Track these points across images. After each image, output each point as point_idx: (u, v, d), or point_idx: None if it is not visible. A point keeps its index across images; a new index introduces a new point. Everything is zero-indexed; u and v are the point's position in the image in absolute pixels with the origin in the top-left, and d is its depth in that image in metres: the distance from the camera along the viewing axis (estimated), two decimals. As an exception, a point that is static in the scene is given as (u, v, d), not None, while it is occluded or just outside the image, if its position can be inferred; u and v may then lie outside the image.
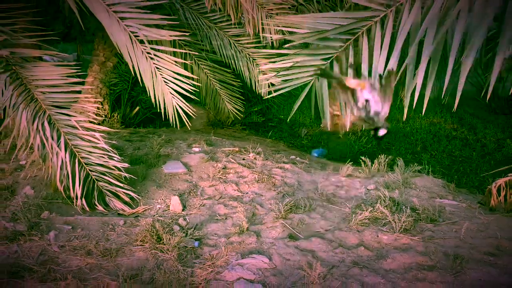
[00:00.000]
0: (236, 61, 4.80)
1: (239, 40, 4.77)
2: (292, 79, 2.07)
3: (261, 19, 4.13)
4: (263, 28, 4.10)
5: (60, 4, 4.90)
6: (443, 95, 1.97)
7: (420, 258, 2.43)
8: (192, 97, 3.26)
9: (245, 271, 2.31)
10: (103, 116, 5.52)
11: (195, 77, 3.45)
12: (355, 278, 2.26)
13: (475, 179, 5.53)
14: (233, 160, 3.93)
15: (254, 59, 4.82)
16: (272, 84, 2.80)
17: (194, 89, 3.28)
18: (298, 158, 4.48)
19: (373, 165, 4.02)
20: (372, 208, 2.96)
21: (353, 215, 2.92)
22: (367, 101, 1.73)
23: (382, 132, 1.83)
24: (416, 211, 2.97)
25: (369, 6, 1.74)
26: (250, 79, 4.73)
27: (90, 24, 5.17)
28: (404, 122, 7.35)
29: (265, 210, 3.06)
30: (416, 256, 2.45)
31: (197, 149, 4.18)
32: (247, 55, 4.79)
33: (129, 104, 6.78)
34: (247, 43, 4.72)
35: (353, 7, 2.62)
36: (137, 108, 6.71)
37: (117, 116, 6.26)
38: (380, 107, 1.74)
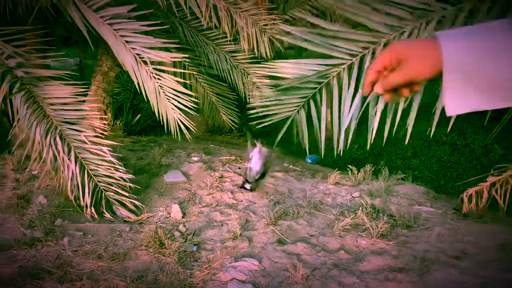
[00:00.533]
0: (231, 75, 5.13)
1: (234, 56, 5.10)
2: (275, 113, 2.44)
3: (256, 35, 4.46)
4: (257, 44, 4.44)
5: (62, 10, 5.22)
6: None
7: (392, 261, 2.76)
8: (192, 112, 3.58)
9: (238, 273, 2.64)
10: (107, 125, 5.85)
11: (194, 94, 3.77)
12: (334, 279, 2.59)
13: (460, 184, 5.86)
14: (229, 169, 4.27)
15: (248, 74, 5.16)
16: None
17: (193, 105, 3.61)
18: (291, 166, 4.82)
19: (359, 174, 4.36)
20: (354, 215, 3.30)
21: (337, 222, 3.25)
22: (251, 158, 2.16)
23: (247, 186, 2.24)
24: (394, 218, 3.30)
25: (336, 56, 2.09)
26: (244, 92, 5.06)
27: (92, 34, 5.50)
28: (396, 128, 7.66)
29: (257, 217, 3.39)
30: (389, 259, 2.78)
31: (196, 158, 4.52)
32: (242, 69, 5.12)
33: (131, 112, 7.13)
34: (242, 59, 5.05)
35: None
36: (139, 115, 7.05)
37: (119, 124, 6.61)
38: (257, 166, 2.17)
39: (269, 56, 4.51)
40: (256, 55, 4.77)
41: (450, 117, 2.20)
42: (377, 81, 0.78)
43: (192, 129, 3.73)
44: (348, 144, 2.32)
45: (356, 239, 3.04)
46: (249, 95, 4.95)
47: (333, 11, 5.35)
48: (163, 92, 3.61)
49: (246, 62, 4.99)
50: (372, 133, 2.06)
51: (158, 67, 3.56)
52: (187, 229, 3.22)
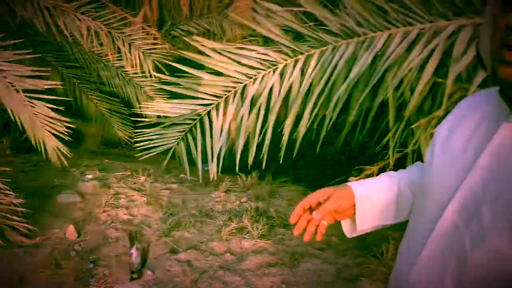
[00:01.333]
0: (124, 90, 5.33)
1: (126, 71, 5.30)
2: (159, 145, 2.82)
3: (139, 57, 4.72)
4: (141, 66, 4.72)
5: None
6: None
7: (269, 257, 3.27)
8: (67, 138, 3.74)
9: (133, 284, 2.94)
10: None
11: (69, 120, 3.79)
12: (219, 279, 3.01)
13: (339, 182, 6.67)
14: (124, 185, 4.49)
15: (141, 87, 5.39)
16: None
17: (69, 131, 3.66)
18: (186, 177, 5.16)
19: (248, 179, 4.85)
20: (239, 220, 3.76)
21: (224, 227, 3.68)
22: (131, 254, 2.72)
23: (134, 275, 2.81)
24: (273, 219, 3.83)
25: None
26: (140, 107, 5.29)
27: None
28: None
29: (151, 231, 3.70)
30: (267, 256, 3.28)
31: (90, 176, 4.65)
32: (134, 84, 5.34)
33: (19, 129, 6.88)
34: (133, 73, 5.27)
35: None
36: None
37: (6, 142, 6.38)
38: (137, 261, 2.78)
39: (153, 78, 4.82)
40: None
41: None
42: (305, 208, 1.17)
43: (68, 154, 3.77)
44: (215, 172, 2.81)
45: (240, 241, 3.50)
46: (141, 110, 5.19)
47: (219, 28, 5.81)
48: (39, 120, 3.68)
49: (138, 77, 5.21)
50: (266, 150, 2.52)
51: (33, 94, 3.61)
52: (83, 247, 3.41)
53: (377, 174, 1.40)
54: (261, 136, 2.55)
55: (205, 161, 7.04)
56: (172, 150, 2.79)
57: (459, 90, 2.21)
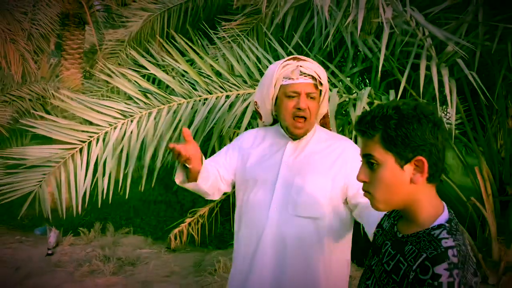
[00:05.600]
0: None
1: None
2: (18, 189, 3.37)
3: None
4: None
5: None
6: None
7: (122, 288, 3.95)
8: None
9: None
10: None
11: None
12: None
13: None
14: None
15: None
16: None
17: None
18: (23, 238, 5.39)
19: (90, 233, 5.39)
20: (90, 264, 4.33)
21: (75, 271, 4.21)
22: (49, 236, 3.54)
23: (49, 252, 3.60)
24: (121, 260, 4.50)
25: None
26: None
27: None
28: (118, 193, 8.93)
29: (3, 281, 3.99)
30: (119, 287, 3.95)
31: None
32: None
33: None
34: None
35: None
36: None
37: None
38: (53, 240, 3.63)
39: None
40: None
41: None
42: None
43: None
44: (80, 210, 3.48)
45: (94, 280, 4.09)
46: None
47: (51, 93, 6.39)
48: None
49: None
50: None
51: None
52: None
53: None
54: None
55: (39, 225, 7.13)
56: (33, 194, 3.33)
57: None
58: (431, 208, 1.15)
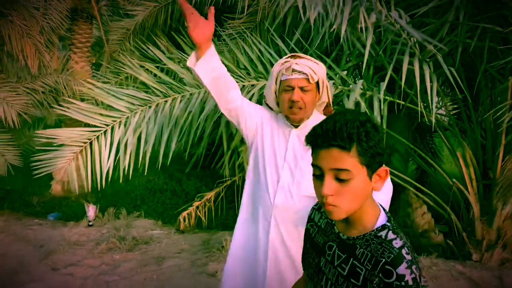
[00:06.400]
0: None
1: None
2: (49, 165, 3.78)
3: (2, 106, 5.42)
4: (5, 115, 5.41)
5: None
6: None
7: (138, 262, 4.36)
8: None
9: None
10: None
11: None
12: (103, 280, 3.98)
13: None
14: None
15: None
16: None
17: None
18: (42, 221, 5.80)
19: (104, 217, 5.80)
20: (107, 242, 4.74)
21: (94, 249, 4.62)
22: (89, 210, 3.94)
23: (90, 223, 4.01)
24: (136, 239, 4.92)
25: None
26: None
27: None
28: (124, 181, 9.34)
29: (28, 258, 4.40)
30: (135, 262, 4.37)
31: None
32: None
33: None
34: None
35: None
36: None
37: None
38: (92, 214, 4.06)
39: (17, 127, 5.53)
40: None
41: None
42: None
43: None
44: (103, 185, 3.88)
45: (112, 256, 4.51)
46: None
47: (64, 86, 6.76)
48: None
49: None
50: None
51: None
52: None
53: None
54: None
55: (50, 211, 7.54)
56: (64, 170, 3.75)
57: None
58: (371, 210, 1.19)
